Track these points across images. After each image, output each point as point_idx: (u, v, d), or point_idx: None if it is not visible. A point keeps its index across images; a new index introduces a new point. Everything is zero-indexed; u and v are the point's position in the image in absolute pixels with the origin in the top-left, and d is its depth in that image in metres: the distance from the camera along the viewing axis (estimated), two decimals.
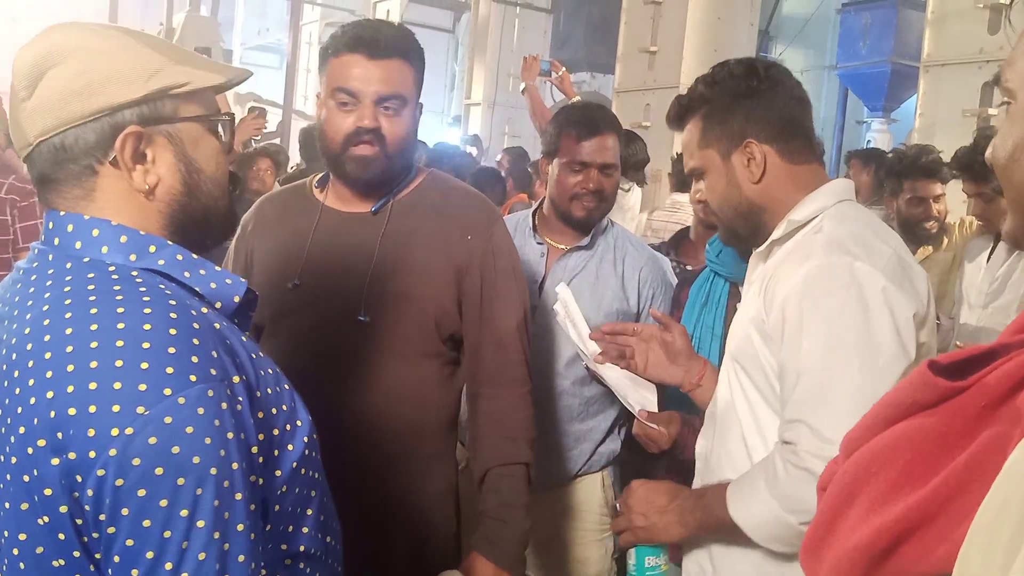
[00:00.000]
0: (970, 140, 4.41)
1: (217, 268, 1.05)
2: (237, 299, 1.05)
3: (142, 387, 0.87)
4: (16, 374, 0.91)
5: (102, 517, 0.88)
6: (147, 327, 0.90)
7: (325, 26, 13.20)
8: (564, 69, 4.82)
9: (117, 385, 0.87)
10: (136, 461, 0.86)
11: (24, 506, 0.91)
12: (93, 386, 0.87)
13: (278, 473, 1.00)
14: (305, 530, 1.06)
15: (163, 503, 0.87)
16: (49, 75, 0.97)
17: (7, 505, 0.92)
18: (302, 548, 1.06)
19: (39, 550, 0.91)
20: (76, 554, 0.91)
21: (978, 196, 3.15)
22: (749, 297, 1.52)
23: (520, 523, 1.66)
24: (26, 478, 0.90)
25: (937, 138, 4.81)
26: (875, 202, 5.37)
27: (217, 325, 0.98)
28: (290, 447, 1.02)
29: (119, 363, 0.88)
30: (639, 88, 7.01)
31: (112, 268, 0.97)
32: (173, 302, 0.94)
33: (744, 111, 1.50)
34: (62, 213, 1.01)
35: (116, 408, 0.87)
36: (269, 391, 1.01)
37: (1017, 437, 0.56)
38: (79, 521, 0.90)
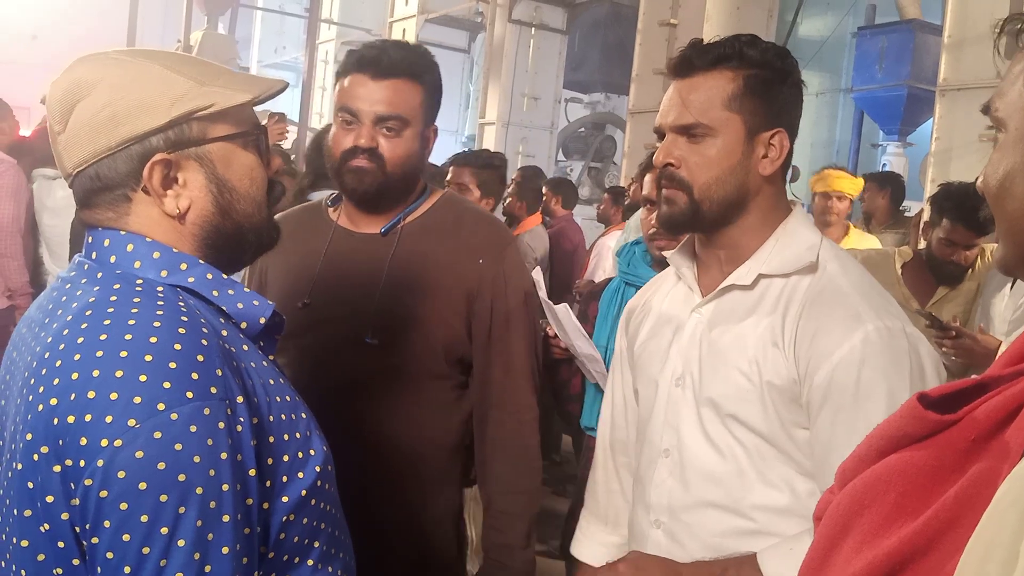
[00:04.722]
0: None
1: (246, 289, 1.06)
2: (263, 320, 1.06)
3: (137, 400, 0.87)
4: (32, 381, 0.92)
5: (87, 527, 0.88)
6: (153, 340, 0.90)
7: (341, 45, 13.31)
8: None
9: (113, 396, 0.88)
10: (121, 474, 0.86)
11: (27, 513, 0.92)
12: (92, 395, 0.88)
13: (285, 499, 1.00)
14: (310, 563, 1.05)
15: (144, 519, 0.87)
16: (78, 108, 1.00)
17: (16, 512, 0.93)
18: None
19: (40, 557, 0.92)
20: (75, 562, 0.91)
21: None
22: (737, 338, 1.32)
23: (520, 564, 1.67)
24: (30, 484, 0.91)
25: (953, 162, 4.79)
26: (890, 226, 5.33)
27: (232, 348, 0.98)
28: (300, 475, 1.01)
29: (119, 374, 0.88)
30: (653, 109, 6.99)
31: (140, 282, 0.98)
32: (185, 318, 0.94)
33: (787, 96, 1.35)
34: (100, 228, 1.04)
35: (109, 419, 0.87)
36: (283, 417, 1.01)
37: (1005, 471, 0.56)
38: (77, 529, 0.90)
